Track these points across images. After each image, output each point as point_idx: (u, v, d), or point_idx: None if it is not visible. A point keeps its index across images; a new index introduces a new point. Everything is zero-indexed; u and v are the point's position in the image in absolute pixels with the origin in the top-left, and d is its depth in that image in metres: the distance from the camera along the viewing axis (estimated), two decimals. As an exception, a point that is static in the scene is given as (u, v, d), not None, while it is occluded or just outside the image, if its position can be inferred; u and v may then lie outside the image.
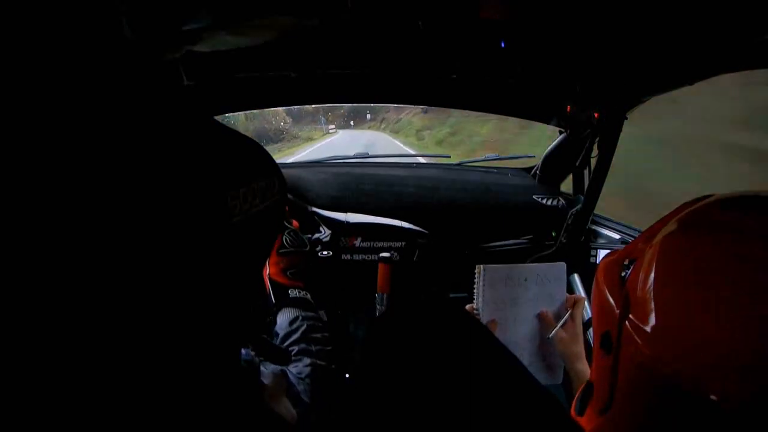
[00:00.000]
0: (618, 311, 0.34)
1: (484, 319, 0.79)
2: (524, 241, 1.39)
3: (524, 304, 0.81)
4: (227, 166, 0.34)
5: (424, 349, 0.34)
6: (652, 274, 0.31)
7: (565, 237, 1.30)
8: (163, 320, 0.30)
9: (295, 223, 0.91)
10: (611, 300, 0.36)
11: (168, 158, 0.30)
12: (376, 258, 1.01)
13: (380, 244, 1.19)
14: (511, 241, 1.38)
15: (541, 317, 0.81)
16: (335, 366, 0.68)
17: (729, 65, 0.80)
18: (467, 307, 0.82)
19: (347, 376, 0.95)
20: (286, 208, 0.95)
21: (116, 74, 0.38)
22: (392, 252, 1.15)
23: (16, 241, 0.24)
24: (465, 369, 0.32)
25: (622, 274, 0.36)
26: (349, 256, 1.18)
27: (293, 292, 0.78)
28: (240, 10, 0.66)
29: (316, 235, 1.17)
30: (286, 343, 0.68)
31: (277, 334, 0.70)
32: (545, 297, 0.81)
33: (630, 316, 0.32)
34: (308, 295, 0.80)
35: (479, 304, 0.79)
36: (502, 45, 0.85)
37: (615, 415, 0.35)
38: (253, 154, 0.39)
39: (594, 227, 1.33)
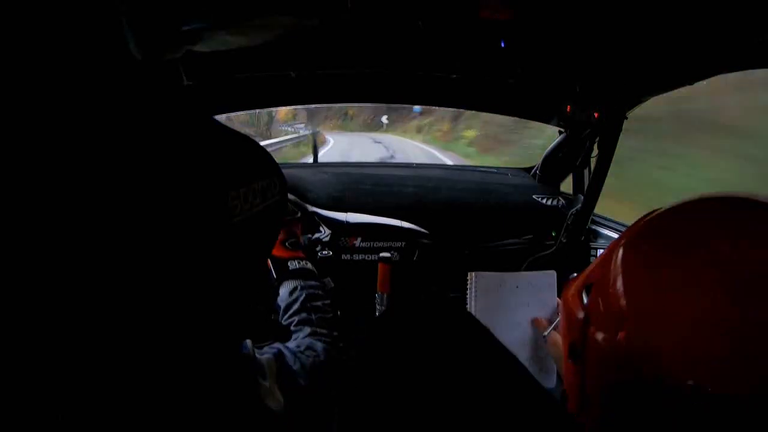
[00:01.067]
0: (581, 320, 0.37)
1: None
2: (524, 241, 1.39)
3: (516, 310, 0.82)
4: (228, 166, 0.34)
5: (424, 348, 0.34)
6: (613, 285, 0.34)
7: (565, 237, 1.30)
8: (163, 319, 0.30)
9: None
10: (576, 313, 0.39)
11: (168, 158, 0.30)
12: (376, 258, 1.00)
13: (380, 244, 1.19)
14: (511, 241, 1.38)
15: (534, 323, 0.82)
16: (337, 334, 0.67)
17: (729, 65, 0.80)
18: None
19: (346, 376, 0.94)
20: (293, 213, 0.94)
21: (117, 74, 0.38)
22: (392, 252, 1.15)
23: (20, 239, 0.24)
24: (464, 368, 0.32)
25: (584, 292, 0.39)
26: (349, 256, 1.18)
27: (293, 264, 0.77)
28: (240, 10, 0.66)
29: (316, 235, 1.17)
30: (287, 314, 0.68)
31: (279, 307, 0.70)
32: (537, 303, 0.83)
33: (591, 326, 0.35)
34: (308, 264, 0.80)
35: (472, 311, 0.80)
36: (502, 45, 0.85)
37: (587, 418, 0.36)
38: (253, 154, 0.39)
39: (594, 227, 1.33)
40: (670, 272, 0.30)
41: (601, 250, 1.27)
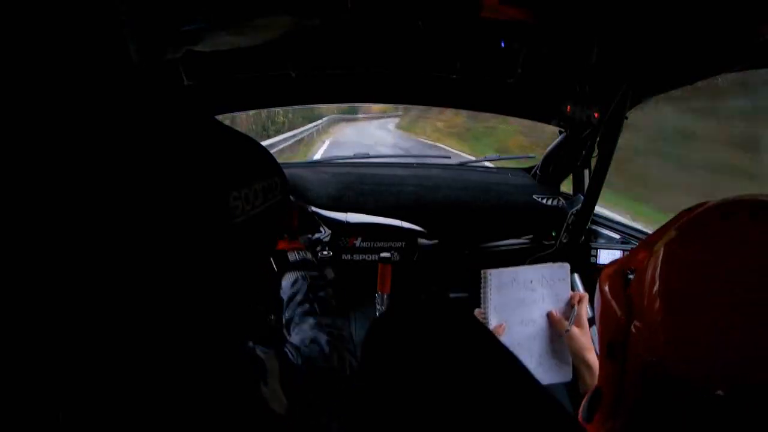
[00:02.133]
0: (623, 318, 0.36)
1: (492, 323, 0.79)
2: (524, 241, 1.39)
3: (531, 305, 0.81)
4: (229, 166, 0.34)
5: (424, 349, 0.34)
6: (657, 283, 0.33)
7: (565, 237, 1.30)
8: (164, 319, 0.30)
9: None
10: (616, 308, 0.37)
11: (170, 159, 0.30)
12: (376, 258, 1.00)
13: (380, 244, 1.19)
14: (511, 241, 1.38)
15: (549, 317, 0.81)
16: (341, 323, 0.67)
17: (729, 65, 0.80)
18: (475, 311, 0.82)
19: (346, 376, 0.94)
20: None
21: (118, 75, 0.38)
22: (392, 252, 1.15)
23: (22, 241, 0.24)
24: (465, 369, 0.32)
25: (625, 283, 0.38)
26: (349, 256, 1.18)
27: (292, 256, 0.77)
28: (240, 10, 0.66)
29: (317, 235, 1.17)
30: (290, 306, 0.68)
31: (282, 299, 0.70)
32: (551, 297, 0.82)
33: (635, 323, 0.34)
34: (308, 255, 0.80)
35: (487, 309, 0.80)
36: (502, 45, 0.85)
37: (624, 419, 0.36)
38: (254, 154, 0.39)
39: (594, 227, 1.33)
40: (721, 275, 0.29)
41: (602, 250, 1.27)
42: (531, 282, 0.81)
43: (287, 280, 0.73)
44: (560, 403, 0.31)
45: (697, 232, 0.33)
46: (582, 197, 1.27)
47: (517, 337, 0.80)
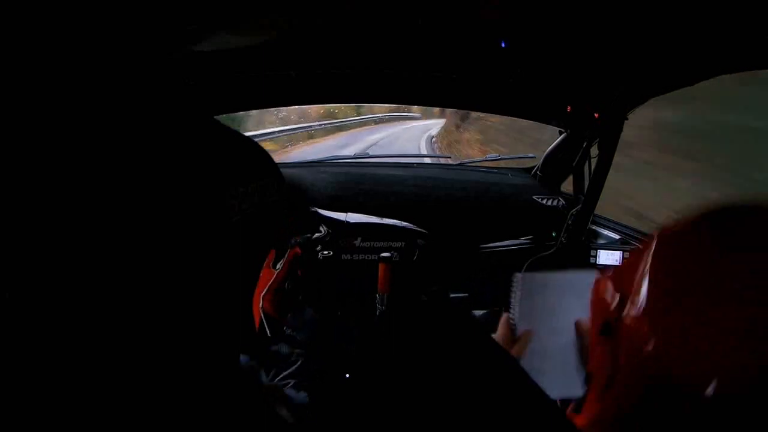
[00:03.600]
0: (616, 302, 0.37)
1: (521, 328, 0.78)
2: (524, 241, 1.39)
3: (561, 314, 0.79)
4: (226, 165, 0.34)
5: (423, 349, 0.34)
6: (646, 280, 0.33)
7: (565, 237, 1.30)
8: (160, 320, 0.30)
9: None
10: (610, 299, 0.38)
11: (166, 157, 0.30)
12: (376, 258, 1.00)
13: (380, 244, 1.19)
14: (511, 242, 1.38)
15: (578, 325, 0.80)
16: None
17: (730, 66, 0.80)
18: (504, 316, 0.80)
19: (347, 375, 0.95)
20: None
21: (117, 74, 0.38)
22: (392, 252, 1.15)
23: (18, 238, 0.24)
24: (463, 369, 0.32)
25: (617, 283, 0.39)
26: (349, 256, 1.18)
27: (287, 330, 0.78)
28: (240, 10, 0.66)
29: (316, 235, 1.17)
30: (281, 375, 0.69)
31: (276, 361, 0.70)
32: (579, 306, 0.80)
33: (628, 312, 0.35)
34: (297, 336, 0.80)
35: (515, 314, 0.78)
36: (503, 45, 0.85)
37: (614, 397, 0.36)
38: (252, 154, 0.39)
39: (594, 227, 1.33)
40: (706, 277, 0.30)
41: (602, 251, 1.27)
42: (560, 289, 0.79)
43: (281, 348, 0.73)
44: (554, 402, 0.31)
45: (690, 235, 0.34)
46: (582, 198, 1.27)
47: (547, 347, 0.78)
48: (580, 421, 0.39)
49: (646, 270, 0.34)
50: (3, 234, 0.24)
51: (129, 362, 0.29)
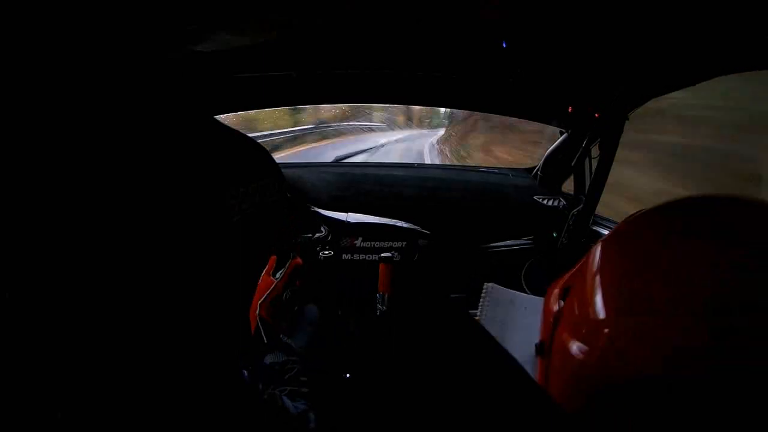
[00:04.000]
0: (553, 320, 0.38)
1: None
2: (525, 241, 1.39)
3: (521, 330, 0.81)
4: (227, 165, 0.34)
5: (423, 348, 0.34)
6: (595, 278, 0.34)
7: (565, 238, 1.29)
8: (162, 319, 0.30)
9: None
10: (551, 312, 0.40)
11: (167, 157, 0.30)
12: (377, 258, 1.00)
13: (381, 244, 1.19)
14: (511, 242, 1.37)
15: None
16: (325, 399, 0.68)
17: (730, 66, 0.79)
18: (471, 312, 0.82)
19: (347, 375, 0.95)
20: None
21: (117, 74, 0.38)
22: (393, 252, 1.15)
23: (19, 238, 0.24)
24: (463, 368, 0.32)
25: (560, 297, 0.40)
26: (349, 256, 1.18)
27: (284, 338, 0.78)
28: (240, 10, 0.66)
29: (317, 235, 1.17)
30: (274, 384, 0.68)
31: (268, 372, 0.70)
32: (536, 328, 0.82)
33: (560, 326, 0.36)
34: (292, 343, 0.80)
35: (480, 319, 0.81)
36: (503, 45, 0.85)
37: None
38: (252, 154, 0.39)
39: (595, 228, 1.33)
40: (645, 272, 0.31)
41: None
42: (525, 309, 0.82)
43: (273, 358, 0.72)
44: (551, 397, 0.31)
45: (629, 238, 0.35)
46: (583, 198, 1.27)
47: None
48: None
49: (590, 269, 0.35)
50: (3, 234, 0.24)
51: (129, 361, 0.29)
